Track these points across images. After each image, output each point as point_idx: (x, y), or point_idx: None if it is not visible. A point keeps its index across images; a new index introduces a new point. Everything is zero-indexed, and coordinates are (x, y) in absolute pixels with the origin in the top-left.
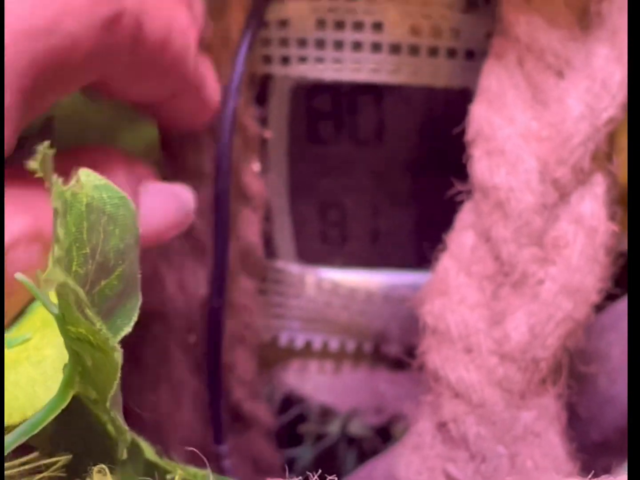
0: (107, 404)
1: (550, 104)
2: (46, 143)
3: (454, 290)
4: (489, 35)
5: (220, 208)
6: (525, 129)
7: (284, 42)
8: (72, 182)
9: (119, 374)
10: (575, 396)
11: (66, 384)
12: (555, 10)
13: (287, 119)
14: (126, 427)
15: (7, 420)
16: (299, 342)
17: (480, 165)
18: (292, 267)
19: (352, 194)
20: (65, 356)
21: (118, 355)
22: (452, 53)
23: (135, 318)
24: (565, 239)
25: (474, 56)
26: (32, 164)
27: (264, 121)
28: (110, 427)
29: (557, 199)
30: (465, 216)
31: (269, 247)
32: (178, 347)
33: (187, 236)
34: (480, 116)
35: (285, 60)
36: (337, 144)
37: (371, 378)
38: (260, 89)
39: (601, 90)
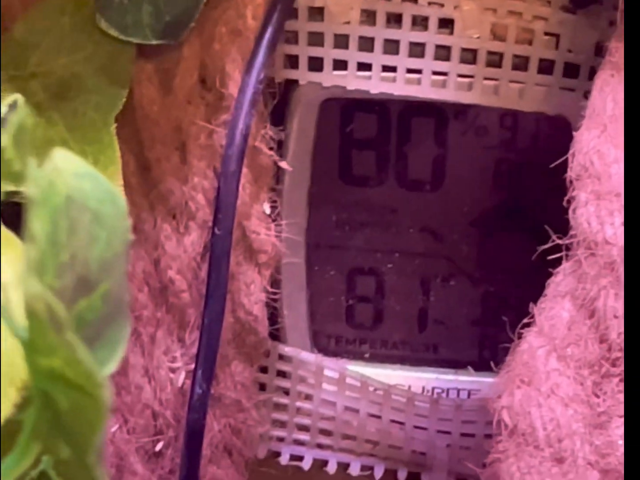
0: (89, 459)
1: None
2: (24, 111)
3: (542, 379)
4: (599, 46)
5: (216, 263)
6: None
7: (316, 39)
8: (48, 166)
9: (105, 419)
10: None
11: (30, 437)
12: None
13: (312, 146)
14: None
15: None
16: (307, 462)
17: (587, 212)
18: (305, 356)
19: (393, 258)
20: None
21: (106, 394)
22: (546, 66)
23: (122, 353)
24: None
25: (577, 73)
26: (3, 139)
27: (280, 147)
28: None
29: None
30: (561, 280)
31: (275, 324)
32: (138, 459)
33: (160, 299)
34: (589, 146)
35: (316, 63)
36: (379, 186)
37: None
38: (279, 102)
39: None
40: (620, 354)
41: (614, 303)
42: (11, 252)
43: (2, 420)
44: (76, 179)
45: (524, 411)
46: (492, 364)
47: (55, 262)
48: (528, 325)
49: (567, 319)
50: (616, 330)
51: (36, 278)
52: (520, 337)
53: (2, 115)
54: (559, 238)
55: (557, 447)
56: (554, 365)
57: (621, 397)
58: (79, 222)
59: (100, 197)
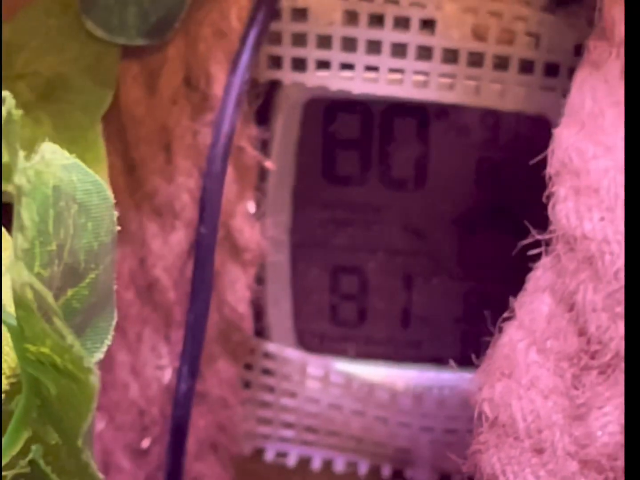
0: (79, 443)
1: None
2: (11, 101)
3: (522, 371)
4: (579, 46)
5: (201, 261)
6: None
7: (299, 40)
8: (36, 157)
9: (94, 404)
10: None
11: (19, 423)
12: None
13: (296, 146)
14: (101, 476)
15: None
16: (292, 458)
17: (565, 207)
18: (290, 353)
19: (376, 256)
20: None
21: (94, 380)
22: (527, 66)
23: (108, 341)
24: None
25: (557, 72)
26: None
27: (264, 146)
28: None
29: None
30: (541, 275)
31: (260, 322)
32: (125, 455)
33: (146, 298)
34: (568, 143)
35: (299, 63)
36: (362, 185)
37: None
38: (263, 102)
39: None
40: (599, 347)
41: (592, 297)
42: None
43: None
44: (63, 170)
45: (504, 403)
46: (474, 360)
47: (44, 251)
48: (508, 319)
49: (546, 313)
50: (595, 323)
51: (25, 267)
52: (500, 331)
53: None
54: (539, 234)
55: (537, 438)
56: (534, 358)
57: (600, 389)
58: (66, 212)
59: (87, 188)
